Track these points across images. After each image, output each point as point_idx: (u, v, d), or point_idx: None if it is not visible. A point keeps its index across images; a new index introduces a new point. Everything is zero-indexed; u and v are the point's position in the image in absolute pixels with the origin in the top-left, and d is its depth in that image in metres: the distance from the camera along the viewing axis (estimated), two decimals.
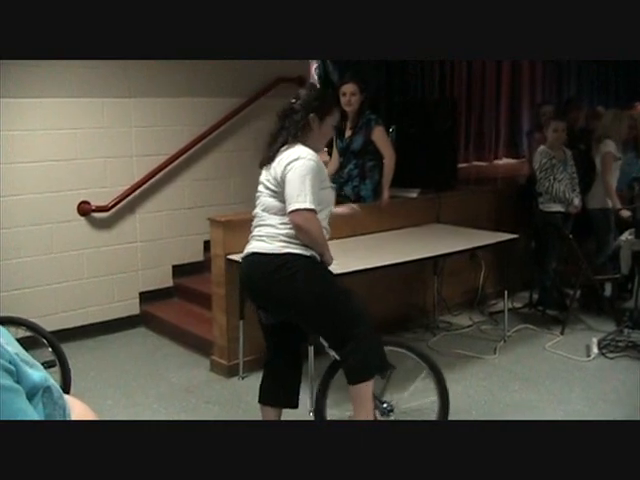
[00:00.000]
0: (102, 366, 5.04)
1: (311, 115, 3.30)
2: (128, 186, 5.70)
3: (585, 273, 5.69)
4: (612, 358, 5.13)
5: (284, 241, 3.24)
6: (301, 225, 3.16)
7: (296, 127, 3.29)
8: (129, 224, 5.82)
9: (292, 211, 3.15)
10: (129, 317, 5.86)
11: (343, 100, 5.43)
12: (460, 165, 8.14)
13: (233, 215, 5.12)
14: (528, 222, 6.12)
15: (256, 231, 3.38)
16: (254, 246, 3.34)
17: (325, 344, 3.43)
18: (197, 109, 6.09)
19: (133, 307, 5.91)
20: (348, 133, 5.53)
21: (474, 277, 6.02)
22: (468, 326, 5.82)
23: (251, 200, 6.33)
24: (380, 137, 5.47)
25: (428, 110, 6.34)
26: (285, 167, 3.18)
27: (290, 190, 3.16)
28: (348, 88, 5.45)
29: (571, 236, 5.65)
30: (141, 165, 5.78)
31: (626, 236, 5.60)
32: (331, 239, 5.14)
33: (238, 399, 4.53)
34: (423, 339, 5.46)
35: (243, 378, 4.84)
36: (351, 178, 5.50)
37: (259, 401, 3.60)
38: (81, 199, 5.52)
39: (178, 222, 6.08)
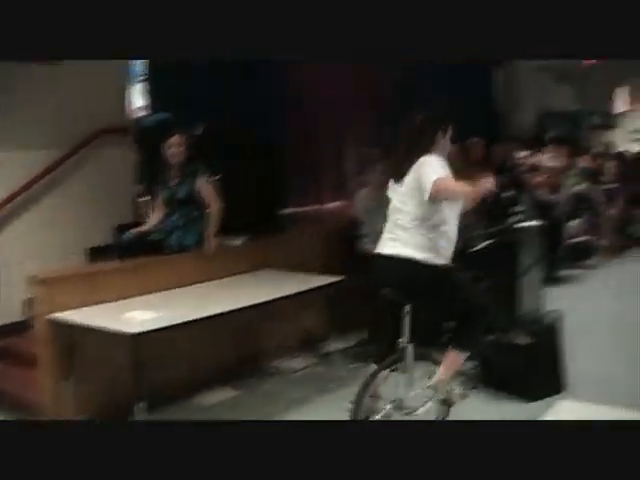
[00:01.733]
0: None
1: (438, 133, 3.83)
2: None
3: None
4: None
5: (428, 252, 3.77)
6: (442, 190, 3.59)
7: (426, 144, 3.78)
8: None
9: (431, 186, 3.59)
10: None
11: (168, 152, 5.46)
12: (291, 209, 8.27)
13: (54, 272, 4.98)
14: (353, 262, 6.28)
15: (399, 236, 3.87)
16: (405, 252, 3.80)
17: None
18: (13, 163, 5.87)
19: None
20: (173, 182, 5.53)
21: (306, 320, 6.12)
22: (302, 369, 5.90)
23: (76, 254, 6.24)
24: (205, 186, 5.51)
25: (248, 156, 6.38)
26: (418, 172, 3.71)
27: (424, 177, 3.64)
28: (174, 140, 5.48)
29: None
30: None
31: None
32: (156, 291, 5.11)
33: None
34: (255, 386, 5.48)
35: None
36: (177, 228, 5.47)
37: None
38: None
39: None
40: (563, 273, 8.00)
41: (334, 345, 5.88)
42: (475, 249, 5.67)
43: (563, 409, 4.46)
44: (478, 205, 4.25)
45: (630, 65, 12.92)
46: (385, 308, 4.21)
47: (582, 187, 8.47)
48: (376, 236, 5.80)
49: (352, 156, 11.47)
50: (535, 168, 8.26)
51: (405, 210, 3.80)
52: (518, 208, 6.05)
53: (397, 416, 3.86)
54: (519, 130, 12.21)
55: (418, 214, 3.74)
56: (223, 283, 5.48)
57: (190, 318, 4.36)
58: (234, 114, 6.45)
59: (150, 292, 5.02)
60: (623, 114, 14.52)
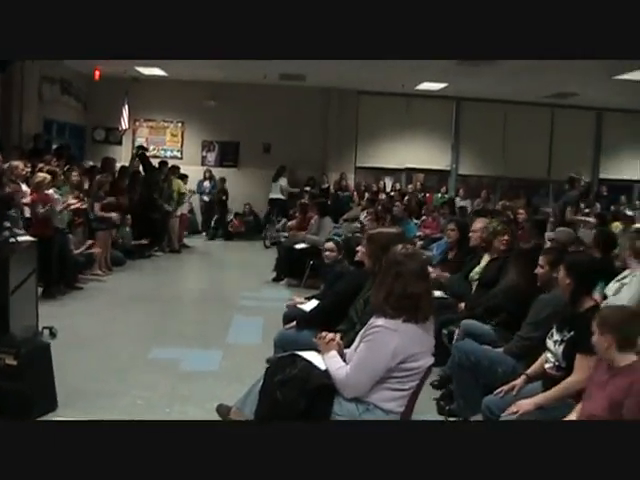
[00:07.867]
0: None
1: None
2: None
3: None
4: None
5: None
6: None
7: None
8: None
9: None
10: None
11: None
12: None
13: None
14: None
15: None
16: None
17: None
18: None
19: None
20: None
21: None
22: None
23: None
24: None
25: None
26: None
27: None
28: None
29: None
30: None
31: None
32: None
33: None
34: None
35: None
36: None
37: None
38: None
39: None
40: (58, 288, 7.81)
41: None
42: None
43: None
44: None
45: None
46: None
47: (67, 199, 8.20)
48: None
49: None
50: (26, 180, 7.91)
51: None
52: (7, 224, 5.76)
53: None
54: (21, 139, 11.80)
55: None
56: None
57: None
58: None
59: None
60: (126, 131, 14.97)
